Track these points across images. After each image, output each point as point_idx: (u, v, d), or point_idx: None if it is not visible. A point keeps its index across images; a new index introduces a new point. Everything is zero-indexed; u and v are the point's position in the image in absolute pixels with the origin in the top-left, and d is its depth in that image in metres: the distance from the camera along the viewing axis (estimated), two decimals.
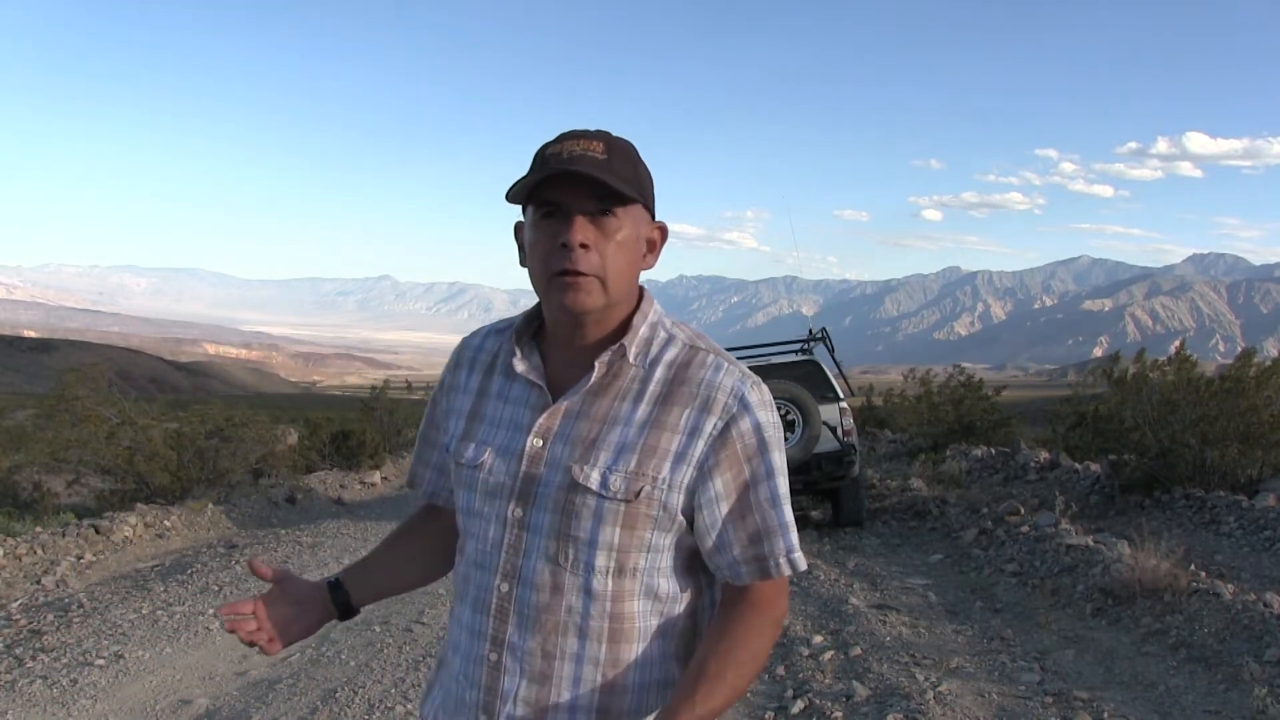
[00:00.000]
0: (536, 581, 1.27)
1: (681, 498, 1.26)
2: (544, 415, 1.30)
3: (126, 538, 7.74)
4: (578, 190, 1.24)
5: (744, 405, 1.27)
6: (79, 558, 7.06)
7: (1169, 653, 5.20)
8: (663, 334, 1.33)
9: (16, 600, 5.90)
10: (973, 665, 5.05)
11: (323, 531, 8.56)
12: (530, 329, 1.37)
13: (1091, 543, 7.09)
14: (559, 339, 1.33)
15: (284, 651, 5.09)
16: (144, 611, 5.57)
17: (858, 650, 5.11)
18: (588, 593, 1.26)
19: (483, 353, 1.41)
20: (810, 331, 11.26)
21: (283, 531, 8.62)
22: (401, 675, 4.63)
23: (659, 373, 1.29)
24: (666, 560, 1.29)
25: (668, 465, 1.25)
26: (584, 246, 1.23)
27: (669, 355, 1.30)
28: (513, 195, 1.28)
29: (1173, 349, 10.41)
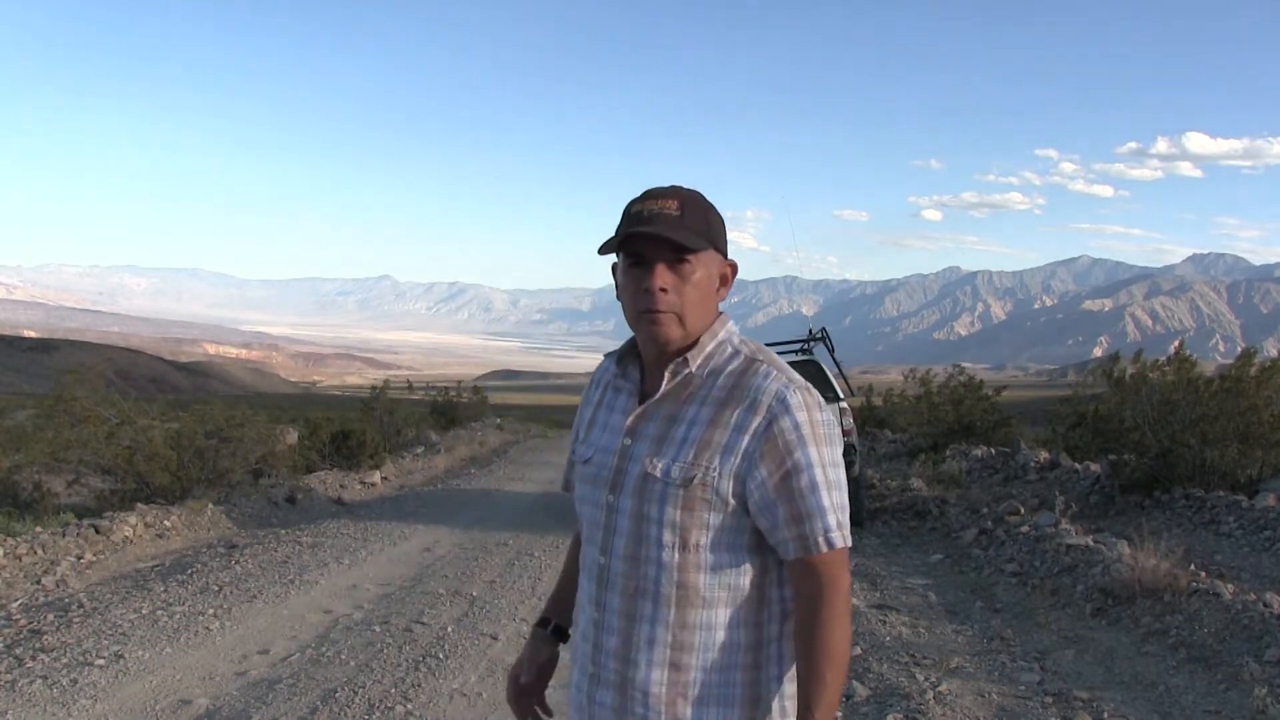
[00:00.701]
0: (622, 554, 1.55)
1: (731, 484, 1.49)
2: (631, 418, 1.59)
3: (126, 538, 7.73)
4: (657, 243, 1.50)
5: (785, 406, 1.48)
6: (79, 558, 7.05)
7: (1169, 653, 5.20)
8: (729, 349, 1.58)
9: (16, 600, 5.90)
10: (973, 665, 5.05)
11: (323, 531, 8.56)
12: (635, 350, 1.65)
13: (1091, 543, 7.09)
14: (649, 358, 1.60)
15: (284, 651, 5.08)
16: (144, 611, 5.57)
17: (858, 650, 5.12)
18: (658, 564, 1.51)
19: (607, 372, 1.70)
20: (810, 331, 11.26)
21: (283, 531, 8.61)
22: (401, 675, 4.64)
23: (720, 380, 1.54)
24: (726, 538, 1.51)
25: (718, 457, 1.49)
26: (663, 290, 1.51)
27: (731, 366, 1.55)
28: (604, 249, 1.56)
29: (1172, 349, 10.40)
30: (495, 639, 5.34)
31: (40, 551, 6.93)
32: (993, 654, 5.26)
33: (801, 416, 1.48)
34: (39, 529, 7.55)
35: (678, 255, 1.51)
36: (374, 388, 18.98)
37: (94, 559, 7.12)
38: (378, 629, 5.43)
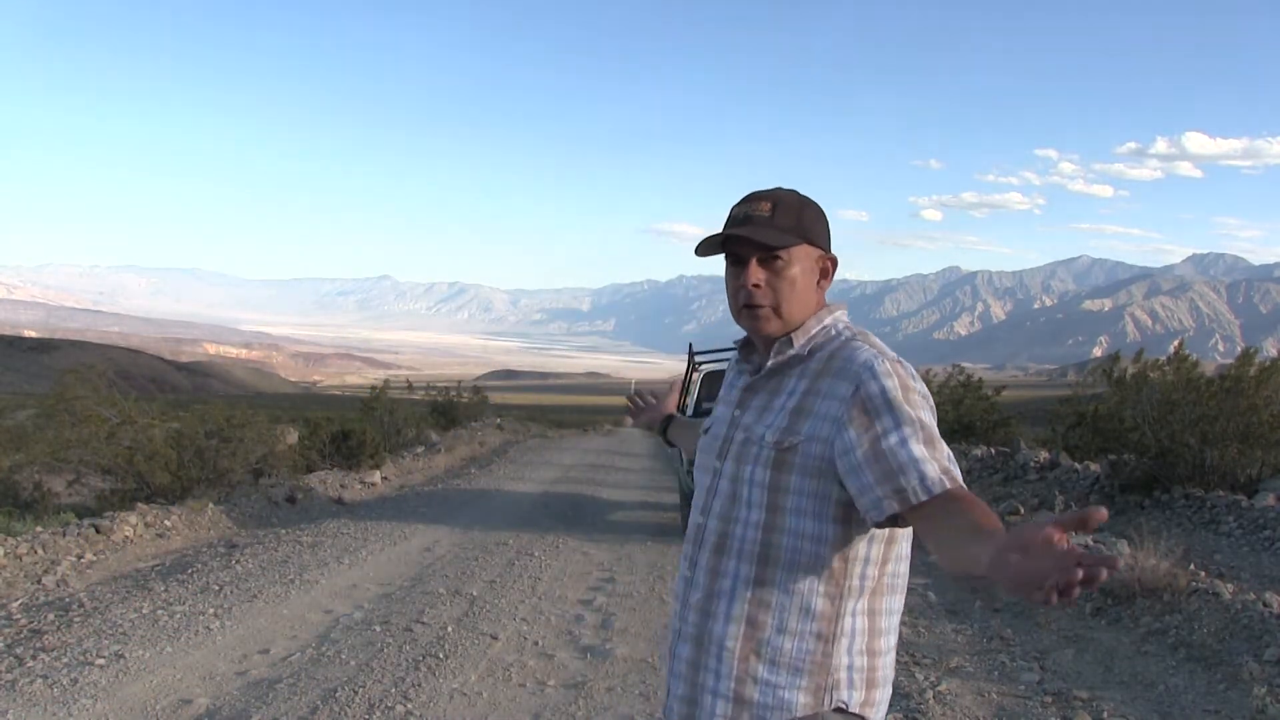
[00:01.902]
0: (718, 513, 1.66)
1: (819, 447, 1.55)
2: (741, 393, 1.73)
3: (127, 537, 7.74)
4: (749, 242, 1.63)
5: (871, 373, 1.54)
6: (79, 557, 7.06)
7: (1169, 652, 5.21)
8: (833, 333, 1.68)
9: (17, 600, 5.90)
10: (972, 665, 5.06)
11: (323, 531, 8.56)
12: None
13: (1091, 542, 7.10)
14: (761, 344, 1.73)
15: (284, 651, 5.08)
16: (144, 611, 5.57)
17: None
18: (746, 523, 1.61)
19: (736, 358, 1.84)
20: None
21: (283, 531, 8.61)
22: (401, 675, 4.64)
23: (819, 356, 1.64)
24: (812, 505, 1.56)
25: (809, 422, 1.57)
26: (756, 286, 1.63)
27: (831, 346, 1.65)
28: (700, 251, 1.68)
29: (1172, 349, 10.40)
30: (495, 639, 5.34)
31: (40, 551, 6.93)
32: (992, 653, 5.26)
33: (889, 383, 1.52)
34: (39, 529, 7.55)
35: (769, 253, 1.62)
36: (374, 388, 18.96)
37: (94, 559, 7.13)
38: (378, 629, 5.44)
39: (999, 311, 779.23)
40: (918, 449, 1.47)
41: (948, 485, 1.43)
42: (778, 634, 1.56)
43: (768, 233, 1.61)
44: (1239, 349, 10.42)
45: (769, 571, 1.58)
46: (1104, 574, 1.02)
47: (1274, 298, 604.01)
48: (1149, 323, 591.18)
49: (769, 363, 1.68)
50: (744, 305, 1.65)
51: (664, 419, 2.32)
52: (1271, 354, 10.12)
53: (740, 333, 1.81)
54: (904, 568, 1.65)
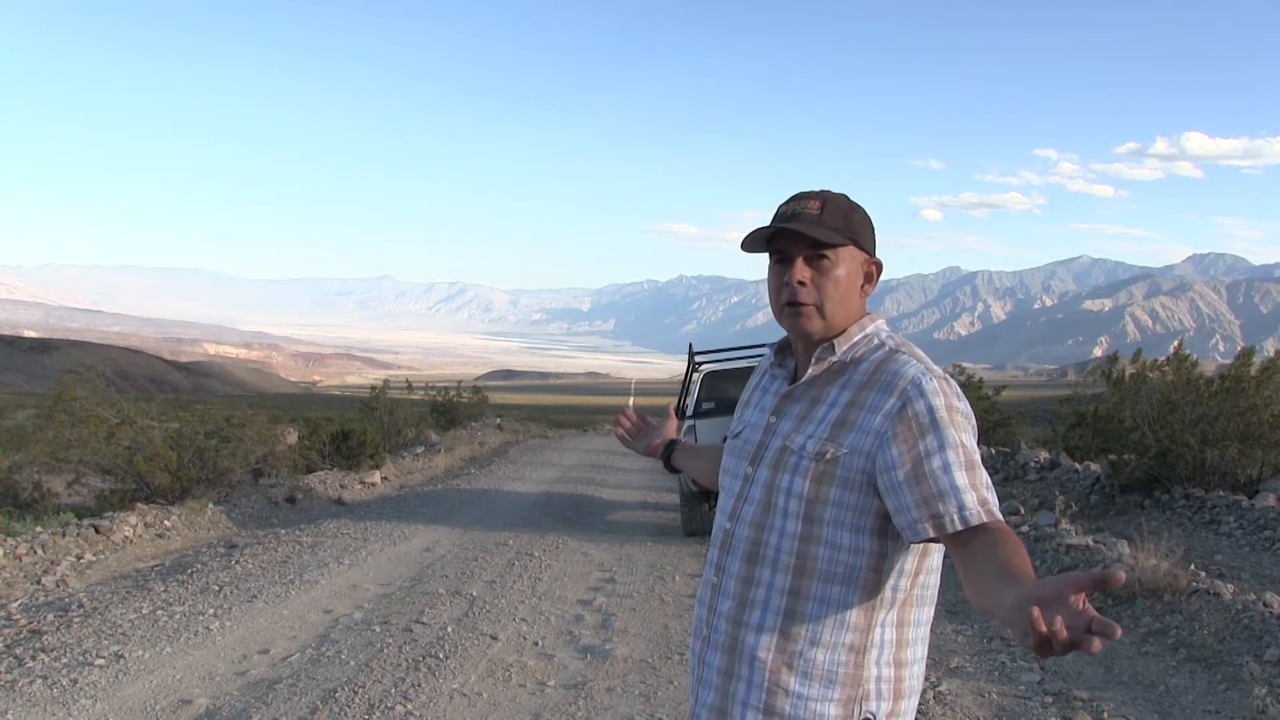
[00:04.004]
0: (749, 521, 1.63)
1: (861, 461, 1.53)
2: (778, 399, 1.69)
3: (126, 537, 7.74)
4: (797, 240, 1.60)
5: (919, 390, 1.51)
6: (79, 557, 7.06)
7: (1169, 652, 5.20)
8: (876, 341, 1.64)
9: (16, 600, 5.90)
10: (973, 665, 5.05)
11: (323, 531, 8.55)
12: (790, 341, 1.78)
13: (1091, 542, 7.09)
14: (799, 349, 1.71)
15: (284, 651, 5.08)
16: (144, 611, 5.57)
17: None
18: (781, 533, 1.58)
19: (768, 360, 1.81)
20: None
21: (283, 531, 8.61)
22: (401, 675, 4.63)
23: (863, 366, 1.61)
24: (850, 517, 1.54)
25: (851, 435, 1.54)
26: (802, 284, 1.60)
27: (875, 356, 1.61)
28: (746, 246, 1.66)
29: (1172, 349, 10.40)
30: (495, 639, 5.34)
31: (40, 551, 6.93)
32: (992, 654, 5.26)
33: (937, 401, 1.50)
34: (39, 529, 7.55)
35: (816, 251, 1.60)
36: (374, 388, 18.97)
37: (94, 559, 7.13)
38: (378, 629, 5.43)
39: (999, 311, 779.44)
40: (960, 476, 1.45)
41: (984, 518, 1.43)
42: (811, 646, 1.55)
43: (817, 230, 1.58)
44: (1239, 349, 10.41)
45: (804, 583, 1.56)
46: (1096, 645, 1.06)
47: (1274, 298, 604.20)
48: (1149, 323, 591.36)
49: (810, 370, 1.64)
50: (787, 303, 1.61)
51: (667, 444, 2.24)
52: (1271, 354, 10.11)
53: (778, 334, 1.77)
54: (934, 579, 1.63)
